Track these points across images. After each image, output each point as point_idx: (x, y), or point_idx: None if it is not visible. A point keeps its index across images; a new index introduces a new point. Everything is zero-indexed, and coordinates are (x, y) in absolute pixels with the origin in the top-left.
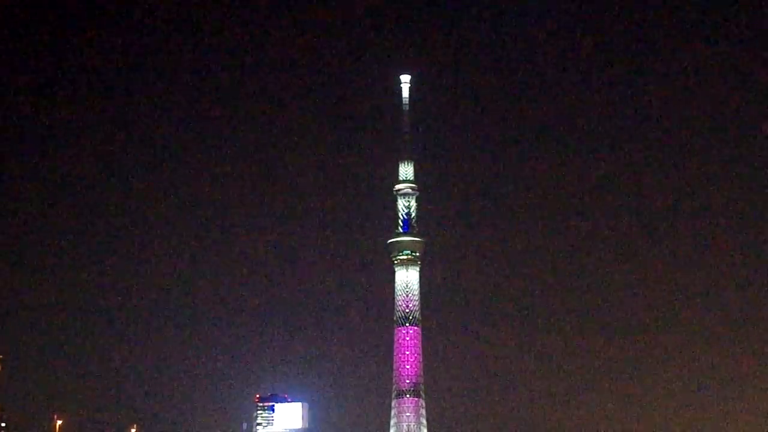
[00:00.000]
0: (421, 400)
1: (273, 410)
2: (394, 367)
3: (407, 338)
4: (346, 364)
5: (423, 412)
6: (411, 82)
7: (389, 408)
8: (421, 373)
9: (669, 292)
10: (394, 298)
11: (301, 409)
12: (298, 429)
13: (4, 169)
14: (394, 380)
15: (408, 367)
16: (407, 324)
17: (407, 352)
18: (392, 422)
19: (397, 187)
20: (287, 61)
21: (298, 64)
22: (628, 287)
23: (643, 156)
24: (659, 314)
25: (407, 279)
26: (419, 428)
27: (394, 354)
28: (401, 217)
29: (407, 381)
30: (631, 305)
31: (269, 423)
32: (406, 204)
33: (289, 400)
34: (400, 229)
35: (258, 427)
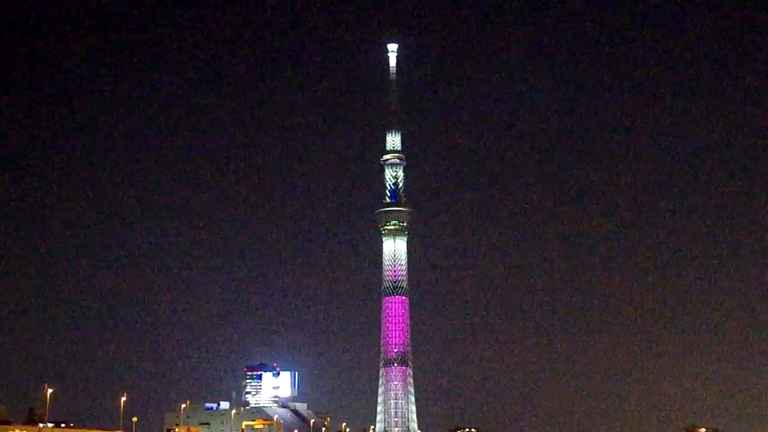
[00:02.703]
0: (408, 368)
1: (261, 379)
2: (382, 336)
3: (395, 308)
4: (334, 334)
5: (410, 380)
6: (398, 50)
7: (377, 376)
8: (409, 342)
9: (657, 261)
10: (381, 268)
11: (289, 377)
12: (287, 397)
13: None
14: (381, 349)
15: (395, 336)
16: (395, 293)
17: (395, 322)
18: (380, 390)
19: (385, 157)
20: (273, 30)
21: (284, 33)
22: (617, 258)
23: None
24: (649, 290)
25: (395, 249)
26: (406, 396)
27: (382, 323)
28: (389, 188)
29: (395, 350)
30: (621, 276)
31: (258, 392)
32: (394, 174)
33: (277, 368)
34: (388, 200)
35: (247, 396)
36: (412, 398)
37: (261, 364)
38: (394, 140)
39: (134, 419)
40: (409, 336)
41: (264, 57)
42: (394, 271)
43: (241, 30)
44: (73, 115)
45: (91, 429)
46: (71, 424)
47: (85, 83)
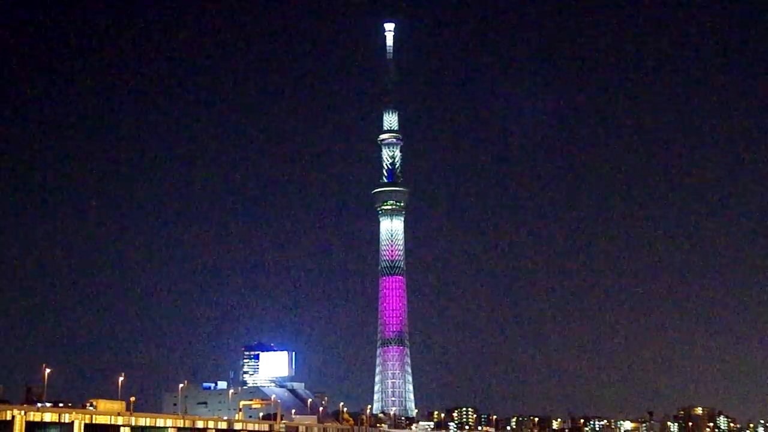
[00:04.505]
0: (405, 348)
1: (258, 359)
2: (379, 316)
3: (392, 287)
4: (332, 313)
5: (407, 360)
6: (395, 30)
7: (374, 356)
8: (406, 321)
9: (651, 245)
10: (378, 248)
11: (286, 357)
12: (284, 377)
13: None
14: (379, 329)
15: (393, 316)
16: (392, 273)
17: (392, 302)
18: (377, 370)
19: (382, 136)
20: (269, 9)
21: (281, 13)
22: (614, 244)
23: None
24: (644, 273)
25: (392, 228)
26: (404, 376)
27: (379, 303)
28: (386, 167)
29: (392, 330)
30: (617, 260)
31: (255, 372)
32: (391, 153)
33: (275, 348)
34: (385, 179)
35: (245, 375)
36: (410, 378)
37: (259, 343)
38: (391, 120)
39: (132, 399)
40: (406, 316)
41: (260, 37)
42: (391, 251)
43: (238, 12)
44: (78, 111)
45: (89, 409)
46: (69, 404)
47: (86, 82)
